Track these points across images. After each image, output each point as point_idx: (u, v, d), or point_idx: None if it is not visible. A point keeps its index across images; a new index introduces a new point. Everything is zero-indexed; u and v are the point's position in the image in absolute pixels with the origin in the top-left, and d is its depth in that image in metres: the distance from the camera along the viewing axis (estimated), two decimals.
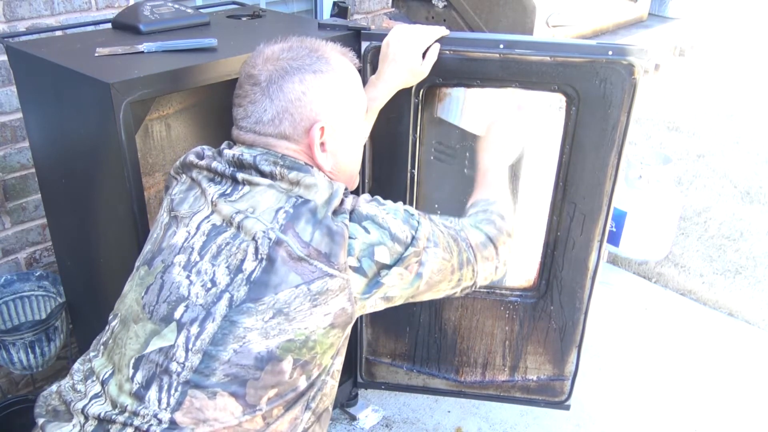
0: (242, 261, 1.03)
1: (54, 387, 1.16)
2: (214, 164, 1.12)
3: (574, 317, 1.88)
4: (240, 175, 1.09)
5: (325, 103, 1.13)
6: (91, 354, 1.14)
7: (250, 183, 1.09)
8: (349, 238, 1.06)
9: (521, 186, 1.86)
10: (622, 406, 2.43)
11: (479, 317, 1.95)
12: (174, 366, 1.02)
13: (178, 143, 1.99)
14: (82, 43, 1.49)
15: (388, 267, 1.10)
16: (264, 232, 1.03)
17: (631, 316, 2.92)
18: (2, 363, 1.96)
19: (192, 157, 1.16)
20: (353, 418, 2.30)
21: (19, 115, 1.90)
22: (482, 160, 1.50)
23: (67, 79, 1.36)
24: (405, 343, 2.02)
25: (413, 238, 1.13)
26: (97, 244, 1.60)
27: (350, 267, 1.06)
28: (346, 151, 1.19)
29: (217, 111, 2.06)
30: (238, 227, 1.05)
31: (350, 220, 1.07)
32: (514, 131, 1.58)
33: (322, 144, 1.14)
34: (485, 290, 1.92)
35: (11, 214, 2.08)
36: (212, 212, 1.09)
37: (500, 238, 1.30)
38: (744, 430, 2.36)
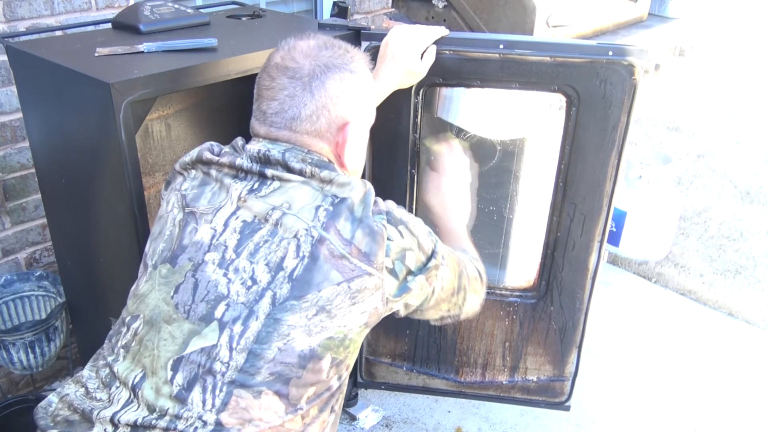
0: (282, 258, 1.02)
1: (54, 397, 1.11)
2: (238, 161, 1.10)
3: (574, 318, 1.88)
4: (269, 171, 1.08)
5: (355, 103, 1.14)
6: (109, 359, 1.10)
7: (280, 179, 1.07)
8: (387, 239, 1.07)
9: (521, 186, 1.86)
10: (622, 406, 2.43)
11: (479, 318, 1.94)
12: (218, 366, 1.00)
13: (178, 143, 1.99)
14: (82, 43, 1.49)
15: (413, 274, 1.13)
16: (306, 230, 1.03)
17: (631, 316, 2.92)
18: (2, 363, 1.96)
19: (208, 154, 1.13)
20: (353, 418, 2.30)
21: (19, 115, 1.90)
22: (442, 222, 1.51)
23: (67, 79, 1.36)
24: (405, 344, 2.02)
25: (434, 251, 1.16)
26: (97, 244, 1.60)
27: (386, 268, 1.08)
28: (360, 151, 1.21)
29: (217, 111, 2.06)
30: (276, 224, 1.04)
31: (387, 221, 1.08)
32: (460, 189, 1.57)
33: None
34: (485, 290, 1.92)
35: (11, 214, 2.08)
36: (238, 208, 1.07)
37: (485, 279, 1.36)
38: (744, 430, 2.36)
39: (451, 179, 1.54)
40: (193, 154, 1.15)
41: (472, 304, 1.32)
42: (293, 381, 1.02)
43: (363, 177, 1.74)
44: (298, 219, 1.03)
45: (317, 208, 1.04)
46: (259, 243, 1.04)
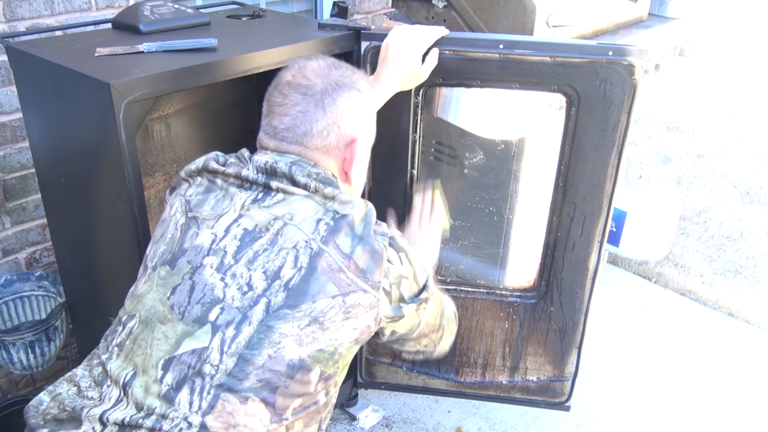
0: (280, 267, 1.04)
1: (45, 396, 1.12)
2: (244, 172, 1.12)
3: (574, 318, 1.88)
4: (274, 183, 1.10)
5: (362, 121, 1.19)
6: (103, 357, 1.11)
7: (284, 191, 1.10)
8: (388, 261, 1.10)
9: (521, 187, 1.86)
10: (622, 406, 2.43)
11: (479, 318, 1.95)
12: (207, 368, 1.01)
13: (178, 143, 1.99)
14: (82, 43, 1.49)
15: (406, 302, 1.16)
16: (306, 242, 1.05)
17: (631, 316, 2.92)
18: (2, 363, 1.96)
19: (214, 164, 1.15)
20: (353, 418, 2.31)
21: (19, 115, 1.90)
22: None
23: (67, 79, 1.36)
24: None
25: (425, 285, 1.21)
26: (97, 244, 1.60)
27: (383, 288, 1.10)
28: (364, 168, 1.25)
29: (217, 111, 2.06)
30: (277, 233, 1.06)
31: (390, 245, 1.12)
32: (425, 239, 1.58)
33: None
34: (485, 290, 1.92)
35: (11, 214, 2.08)
36: (241, 216, 1.09)
37: (457, 321, 1.40)
38: (744, 430, 2.36)
39: (419, 226, 1.55)
40: (199, 162, 1.17)
41: (445, 344, 1.36)
42: (280, 390, 1.03)
43: None
44: (299, 230, 1.06)
45: (318, 221, 1.07)
46: (258, 251, 1.06)
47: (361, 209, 1.09)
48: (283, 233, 1.06)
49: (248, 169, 1.12)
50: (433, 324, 1.27)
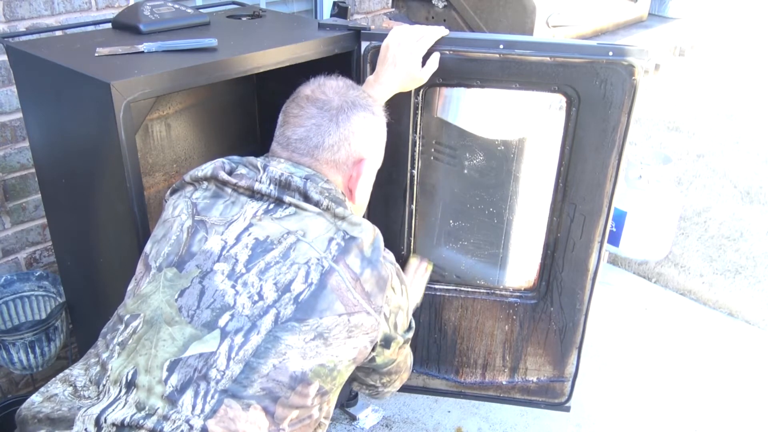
0: (291, 281, 1.06)
1: (37, 397, 1.10)
2: (257, 185, 1.13)
3: (574, 318, 1.88)
4: (287, 198, 1.12)
5: (372, 142, 1.23)
6: (104, 356, 1.10)
7: (297, 206, 1.12)
8: (392, 288, 1.14)
9: (521, 187, 1.86)
10: (622, 406, 2.43)
11: (479, 318, 1.95)
12: (213, 373, 1.02)
13: (178, 143, 1.99)
14: (82, 43, 1.49)
15: (397, 334, 1.21)
16: (318, 259, 1.07)
17: (631, 316, 2.92)
18: (2, 363, 1.96)
19: (224, 175, 1.16)
20: (353, 418, 2.31)
21: (19, 115, 1.90)
22: None
23: (67, 79, 1.36)
24: None
25: (411, 326, 1.29)
26: (97, 244, 1.60)
27: (384, 314, 1.14)
28: (368, 189, 1.27)
29: (217, 111, 2.06)
30: (290, 248, 1.08)
31: (396, 274, 1.17)
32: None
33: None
34: (485, 291, 1.92)
35: (11, 214, 2.08)
36: (251, 224, 1.11)
37: (409, 374, 1.47)
38: (744, 430, 2.36)
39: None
40: (207, 170, 1.18)
41: (394, 388, 1.41)
42: (281, 400, 1.04)
43: None
44: (311, 248, 1.08)
45: (330, 240, 1.09)
46: (270, 262, 1.07)
47: (370, 233, 1.13)
48: (296, 248, 1.08)
49: (261, 180, 1.14)
50: (401, 366, 1.33)
